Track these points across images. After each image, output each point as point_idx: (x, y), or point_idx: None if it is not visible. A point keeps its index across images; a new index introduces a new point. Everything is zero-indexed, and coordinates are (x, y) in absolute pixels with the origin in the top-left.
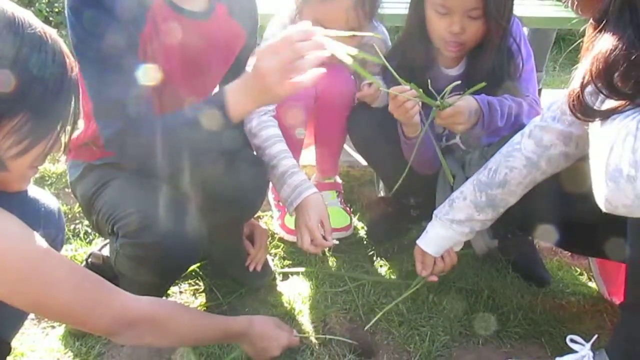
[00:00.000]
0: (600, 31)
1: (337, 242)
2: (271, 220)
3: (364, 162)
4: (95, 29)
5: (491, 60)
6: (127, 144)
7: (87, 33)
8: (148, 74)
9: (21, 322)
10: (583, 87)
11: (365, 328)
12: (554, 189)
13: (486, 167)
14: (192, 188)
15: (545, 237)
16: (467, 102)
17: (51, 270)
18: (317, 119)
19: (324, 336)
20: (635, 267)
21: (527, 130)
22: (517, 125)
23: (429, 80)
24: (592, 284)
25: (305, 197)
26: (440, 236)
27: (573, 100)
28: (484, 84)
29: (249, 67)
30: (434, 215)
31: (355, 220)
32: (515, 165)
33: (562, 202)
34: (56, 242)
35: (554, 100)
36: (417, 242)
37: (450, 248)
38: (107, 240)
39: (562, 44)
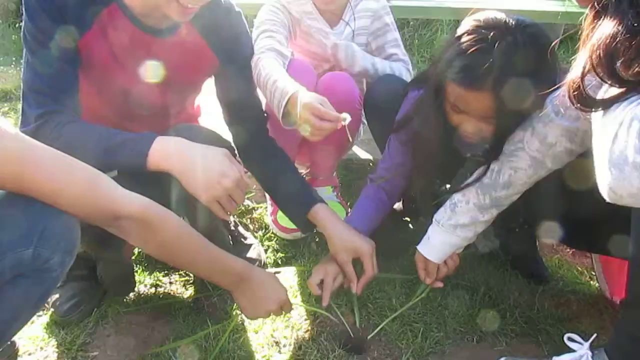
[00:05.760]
0: (598, 19)
1: (348, 117)
2: (266, 212)
3: (362, 156)
4: (36, 21)
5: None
6: (40, 133)
7: (30, 20)
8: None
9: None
10: (583, 76)
11: (369, 337)
12: (558, 184)
13: (487, 167)
14: None
15: (549, 233)
16: None
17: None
18: None
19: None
20: (638, 262)
21: (529, 127)
22: None
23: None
24: (593, 283)
25: (293, 93)
26: (444, 243)
27: (573, 91)
28: None
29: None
30: (434, 221)
31: None
32: (520, 166)
33: (567, 197)
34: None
35: (555, 93)
36: (418, 248)
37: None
38: None
39: (569, 43)
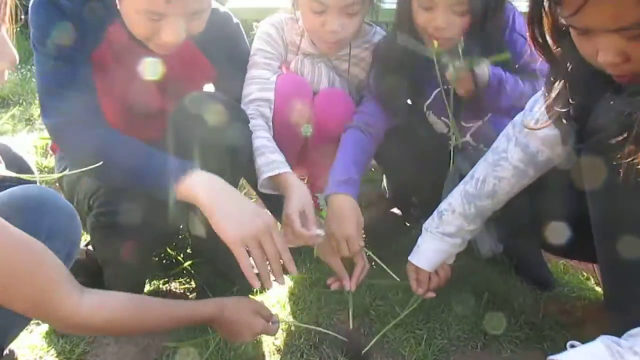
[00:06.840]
0: None
1: (321, 233)
2: None
3: None
4: (51, 33)
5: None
6: (65, 138)
7: (42, 34)
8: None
9: (20, 330)
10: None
11: (363, 352)
12: (564, 186)
13: (472, 176)
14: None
15: (555, 237)
16: (481, 72)
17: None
18: (312, 144)
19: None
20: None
21: (512, 137)
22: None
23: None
24: (599, 289)
25: (282, 173)
26: (433, 250)
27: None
28: (507, 55)
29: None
30: (424, 229)
31: None
32: (503, 176)
33: (573, 200)
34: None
35: (535, 99)
36: (409, 258)
37: (443, 261)
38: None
39: None
